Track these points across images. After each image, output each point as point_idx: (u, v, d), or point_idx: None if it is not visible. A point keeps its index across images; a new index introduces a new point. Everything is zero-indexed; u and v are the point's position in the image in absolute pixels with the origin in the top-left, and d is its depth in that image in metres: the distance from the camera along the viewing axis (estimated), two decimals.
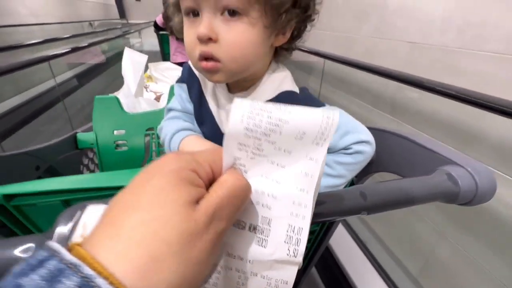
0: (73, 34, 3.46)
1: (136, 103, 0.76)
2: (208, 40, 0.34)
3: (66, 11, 6.42)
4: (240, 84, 0.43)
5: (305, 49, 1.96)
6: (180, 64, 2.10)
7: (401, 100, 1.45)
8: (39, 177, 0.50)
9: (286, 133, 0.18)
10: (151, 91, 0.99)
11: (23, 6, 4.83)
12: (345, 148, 0.40)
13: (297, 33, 0.43)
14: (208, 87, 0.46)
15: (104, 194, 0.36)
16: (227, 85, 0.45)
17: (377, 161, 0.43)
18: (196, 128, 0.49)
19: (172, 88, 0.68)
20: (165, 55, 2.50)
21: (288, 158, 0.19)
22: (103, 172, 0.61)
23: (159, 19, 2.27)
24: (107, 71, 4.35)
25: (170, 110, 0.52)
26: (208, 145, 0.44)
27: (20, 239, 0.21)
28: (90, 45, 2.46)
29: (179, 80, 0.51)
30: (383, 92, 1.56)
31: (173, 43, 2.21)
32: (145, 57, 0.95)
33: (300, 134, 0.18)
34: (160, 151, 0.68)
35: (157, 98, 0.94)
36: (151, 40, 6.72)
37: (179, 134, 0.46)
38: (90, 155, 0.68)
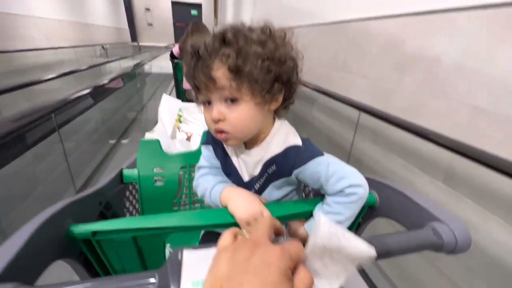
0: (90, 66, 3.34)
1: (171, 144, 0.84)
2: (219, 120, 0.49)
3: (80, 35, 6.47)
4: (252, 141, 0.55)
5: (339, 99, 1.78)
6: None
7: (461, 169, 1.23)
8: (101, 211, 0.58)
9: (343, 254, 0.27)
10: (182, 131, 1.08)
11: (37, 30, 4.83)
12: (341, 190, 0.48)
13: (288, 96, 0.53)
14: (229, 146, 0.58)
15: (168, 231, 0.47)
16: (245, 143, 0.56)
17: (378, 209, 0.53)
18: (225, 178, 0.60)
19: (204, 135, 0.77)
20: (177, 80, 2.72)
21: (338, 267, 0.28)
22: (164, 213, 0.65)
23: (176, 51, 2.42)
24: (121, 89, 4.48)
25: (200, 168, 0.63)
26: (243, 192, 0.54)
27: (140, 275, 0.31)
28: (110, 81, 2.36)
29: (205, 143, 0.62)
30: (433, 155, 1.35)
31: None
32: (179, 103, 1.11)
33: (351, 257, 0.27)
34: (191, 187, 0.76)
35: (188, 138, 1.02)
36: (158, 63, 6.66)
37: (217, 187, 0.56)
38: (130, 188, 0.75)
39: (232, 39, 0.46)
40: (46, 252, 0.38)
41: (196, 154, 0.75)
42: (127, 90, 4.16)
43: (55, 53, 5.27)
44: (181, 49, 2.33)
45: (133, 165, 0.75)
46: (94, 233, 0.43)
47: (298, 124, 2.92)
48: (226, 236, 0.30)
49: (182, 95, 2.78)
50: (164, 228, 0.45)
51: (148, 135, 0.95)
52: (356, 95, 1.93)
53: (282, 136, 0.54)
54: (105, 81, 2.02)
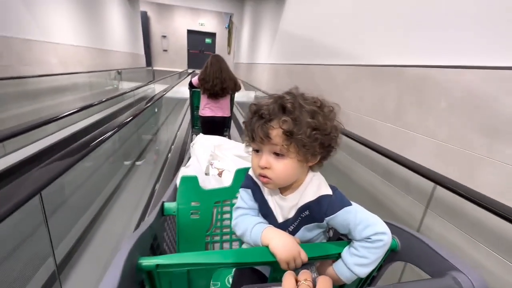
0: (107, 99, 3.12)
1: (206, 179, 0.87)
2: (265, 168, 0.57)
3: (96, 60, 6.42)
4: (288, 188, 0.61)
5: (411, 168, 1.40)
6: (211, 121, 2.52)
7: None
8: (152, 244, 0.61)
9: None
10: (215, 167, 1.08)
11: (54, 56, 4.74)
12: (368, 237, 0.54)
13: (325, 156, 0.60)
14: (266, 191, 0.64)
15: (222, 266, 0.52)
16: (279, 188, 0.63)
17: (400, 253, 0.58)
18: (263, 219, 0.65)
19: (237, 174, 0.81)
20: (194, 107, 2.90)
21: None
22: (218, 250, 0.78)
23: (195, 81, 2.51)
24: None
25: (238, 208, 0.68)
26: (282, 234, 0.58)
27: None
28: (134, 117, 2.12)
29: (245, 186, 0.68)
30: None
31: (203, 99, 2.48)
32: (212, 140, 1.17)
33: None
34: (223, 220, 0.83)
35: (219, 174, 1.02)
36: (161, 88, 6.35)
37: (258, 227, 0.61)
38: (168, 219, 0.78)
39: (291, 108, 0.53)
40: (126, 281, 0.42)
41: (229, 190, 0.81)
42: (143, 114, 4.02)
43: (69, 77, 5.14)
44: (200, 80, 2.39)
45: (170, 198, 0.80)
46: (158, 265, 0.49)
47: (329, 170, 2.54)
48: (290, 282, 0.41)
49: (196, 120, 2.91)
50: (219, 264, 0.51)
51: (184, 170, 0.96)
52: (417, 157, 1.56)
53: (315, 185, 0.59)
54: (127, 119, 1.81)
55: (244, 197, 0.66)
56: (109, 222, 1.83)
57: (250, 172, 0.66)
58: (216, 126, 2.55)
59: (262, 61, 5.95)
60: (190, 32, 12.99)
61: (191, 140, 3.63)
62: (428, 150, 1.56)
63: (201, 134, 1.23)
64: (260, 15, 6.31)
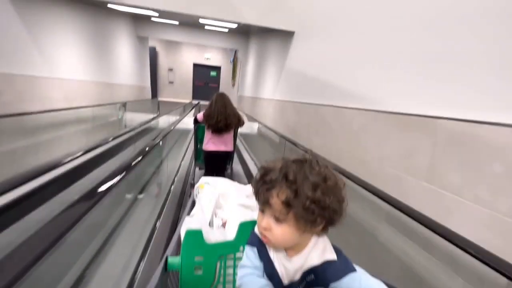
0: (112, 138, 2.92)
1: (210, 232, 0.83)
2: (265, 228, 0.58)
3: (102, 94, 6.42)
4: (293, 250, 0.61)
5: (454, 243, 1.11)
6: (214, 155, 2.57)
7: None
8: None
9: None
10: (219, 217, 1.03)
11: (58, 91, 4.69)
12: None
13: (328, 225, 0.58)
14: (272, 250, 0.63)
15: None
16: (285, 249, 0.62)
17: None
18: (268, 282, 0.62)
19: (241, 227, 0.79)
20: (197, 140, 2.94)
21: None
22: None
23: (200, 117, 2.56)
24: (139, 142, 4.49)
25: (243, 267, 0.65)
26: None
27: None
28: (144, 157, 2.02)
29: (251, 244, 0.66)
30: None
31: (208, 134, 2.53)
32: (218, 186, 1.12)
33: None
34: (226, 275, 0.79)
35: (223, 224, 0.97)
36: (165, 119, 6.20)
37: None
38: (170, 275, 0.77)
39: (292, 179, 0.53)
40: None
41: (233, 244, 0.79)
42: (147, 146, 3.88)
43: (74, 111, 5.04)
44: (205, 116, 2.45)
45: (174, 252, 0.80)
46: None
47: (350, 226, 2.22)
48: None
49: (199, 154, 2.92)
50: None
51: (188, 220, 0.92)
52: (462, 228, 1.27)
53: (320, 249, 0.59)
54: (133, 162, 1.73)
55: (250, 255, 0.65)
56: (107, 264, 1.71)
57: (256, 230, 0.65)
58: (219, 160, 2.62)
59: (267, 96, 5.90)
60: (196, 65, 13.37)
61: (194, 173, 3.35)
62: (478, 221, 1.28)
63: (207, 185, 1.16)
64: (266, 51, 6.40)
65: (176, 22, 7.82)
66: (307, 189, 0.52)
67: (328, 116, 2.99)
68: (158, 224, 2.19)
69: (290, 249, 0.60)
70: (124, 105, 7.14)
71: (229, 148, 2.60)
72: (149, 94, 10.20)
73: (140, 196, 2.78)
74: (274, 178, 0.55)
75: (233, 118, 2.45)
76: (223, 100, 2.44)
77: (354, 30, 2.63)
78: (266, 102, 5.93)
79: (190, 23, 7.83)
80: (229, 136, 2.57)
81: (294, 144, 2.72)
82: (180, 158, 4.23)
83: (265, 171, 0.57)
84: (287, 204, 0.53)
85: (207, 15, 4.06)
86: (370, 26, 2.39)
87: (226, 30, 8.07)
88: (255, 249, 0.64)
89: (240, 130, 2.81)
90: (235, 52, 11.96)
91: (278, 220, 0.56)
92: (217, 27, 7.73)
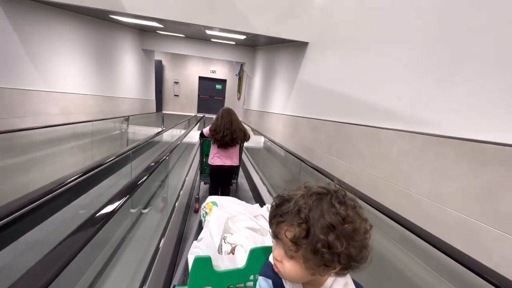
0: (114, 158, 2.55)
1: (219, 258, 0.80)
2: (277, 259, 0.53)
3: (102, 107, 6.11)
4: (310, 285, 0.56)
5: None
6: (220, 169, 2.53)
7: None
8: None
9: None
10: (228, 242, 0.96)
11: (54, 106, 4.37)
12: None
13: (346, 270, 0.50)
14: (287, 284, 0.57)
15: None
16: (302, 284, 0.56)
17: None
18: None
19: (252, 254, 0.75)
20: (203, 155, 2.94)
21: None
22: None
23: (206, 132, 2.56)
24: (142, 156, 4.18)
25: None
26: None
27: None
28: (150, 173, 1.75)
29: (265, 275, 0.61)
30: None
31: (213, 149, 2.53)
32: (226, 208, 1.07)
33: None
34: None
35: (233, 250, 0.91)
36: (170, 132, 5.83)
37: None
38: None
39: (304, 217, 0.47)
40: None
41: (242, 272, 0.75)
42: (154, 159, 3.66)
43: (69, 126, 4.68)
44: (212, 131, 2.44)
45: (181, 280, 0.76)
46: None
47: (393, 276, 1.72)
48: None
49: (205, 168, 2.94)
50: None
51: (196, 244, 0.90)
52: None
53: (341, 285, 0.54)
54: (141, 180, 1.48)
55: (264, 286, 0.60)
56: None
57: (271, 259, 0.58)
58: (224, 174, 2.59)
59: (276, 110, 5.49)
60: (201, 78, 13.17)
61: (199, 187, 3.14)
62: None
63: (216, 208, 1.08)
64: (274, 64, 6.06)
65: (182, 35, 7.60)
66: (318, 231, 0.45)
67: (355, 136, 2.54)
68: (162, 243, 1.98)
69: (307, 284, 0.55)
70: (126, 119, 6.81)
71: (235, 162, 2.58)
72: (153, 108, 9.92)
73: (145, 211, 2.66)
74: (286, 212, 0.49)
75: (239, 132, 2.45)
76: (230, 115, 2.44)
77: (390, 39, 2.23)
78: (275, 117, 5.52)
79: (196, 36, 7.60)
80: (235, 151, 2.56)
81: (316, 169, 2.28)
82: (185, 174, 3.96)
83: (281, 201, 0.52)
84: (295, 243, 0.48)
85: (213, 25, 3.73)
86: (418, 34, 1.97)
87: (233, 43, 7.82)
88: (270, 282, 0.60)
89: (246, 144, 2.73)
90: (241, 65, 11.76)
91: (287, 255, 0.50)
92: (223, 40, 7.48)
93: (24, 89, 3.68)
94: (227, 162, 2.51)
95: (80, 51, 5.22)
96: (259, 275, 0.61)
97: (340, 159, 2.77)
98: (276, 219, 0.51)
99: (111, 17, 5.14)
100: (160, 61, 12.56)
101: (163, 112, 12.81)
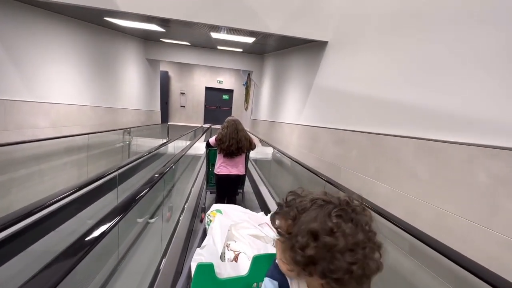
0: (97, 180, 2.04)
1: (221, 265, 0.79)
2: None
3: (101, 119, 5.66)
4: None
5: None
6: (226, 179, 2.53)
7: None
8: None
9: None
10: (231, 249, 0.92)
11: (44, 118, 3.91)
12: None
13: (330, 281, 0.47)
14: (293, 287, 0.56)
15: None
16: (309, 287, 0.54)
17: None
18: None
19: (255, 261, 0.73)
20: (209, 164, 2.98)
21: None
22: None
23: (212, 141, 2.56)
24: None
25: None
26: None
27: None
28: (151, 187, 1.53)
29: (272, 276, 0.58)
30: None
31: (220, 158, 2.55)
32: (231, 215, 1.05)
33: None
34: None
35: (236, 258, 0.88)
36: (174, 144, 5.27)
37: None
38: None
39: (295, 215, 0.49)
40: None
41: (245, 280, 0.73)
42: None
43: (61, 140, 4.18)
44: (217, 140, 2.45)
45: (184, 287, 0.75)
46: None
47: None
48: None
49: (211, 177, 2.94)
50: None
51: (199, 251, 0.86)
52: None
53: None
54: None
55: None
56: None
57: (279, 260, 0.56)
58: (230, 184, 2.56)
59: (289, 120, 4.90)
60: (208, 89, 12.79)
61: (206, 197, 3.11)
62: None
63: (219, 215, 1.03)
64: (286, 70, 5.52)
65: (187, 43, 7.19)
66: (300, 232, 0.46)
67: (404, 152, 1.90)
68: (163, 264, 1.80)
69: None
70: (128, 132, 6.33)
71: (241, 171, 2.57)
72: (158, 119, 9.47)
73: (151, 220, 2.57)
74: (287, 206, 0.51)
75: (245, 141, 2.45)
76: (235, 124, 2.44)
77: (461, 21, 1.62)
78: (288, 128, 4.92)
79: (202, 44, 7.19)
80: (240, 160, 2.55)
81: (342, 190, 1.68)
82: (191, 184, 3.73)
83: (291, 196, 0.53)
84: (279, 233, 0.51)
85: (221, 24, 3.21)
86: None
87: (240, 50, 7.36)
88: (276, 284, 0.57)
89: (254, 155, 2.74)
90: (249, 74, 11.32)
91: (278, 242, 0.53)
92: (230, 47, 7.03)
93: (3, 99, 3.20)
94: (233, 171, 2.50)
95: (77, 59, 4.80)
96: (266, 276, 0.59)
97: (380, 181, 2.12)
98: (278, 208, 0.53)
99: (109, 22, 4.72)
100: (167, 72, 12.26)
101: (169, 123, 12.41)
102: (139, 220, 2.54)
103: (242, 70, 12.47)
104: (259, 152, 5.47)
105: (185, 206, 2.89)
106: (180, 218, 2.49)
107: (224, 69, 12.64)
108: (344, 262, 0.43)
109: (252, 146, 2.57)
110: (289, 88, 5.08)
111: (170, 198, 2.93)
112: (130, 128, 6.33)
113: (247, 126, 11.43)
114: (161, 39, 6.92)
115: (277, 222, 0.51)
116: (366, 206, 0.49)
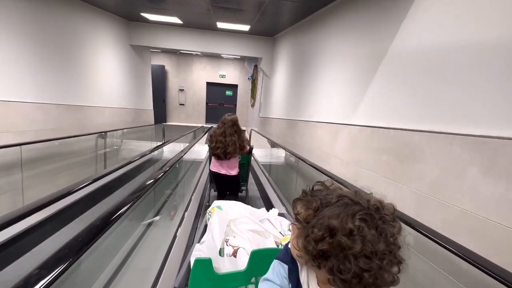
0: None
1: (220, 260, 0.78)
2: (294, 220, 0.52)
3: (57, 121, 3.94)
4: (323, 279, 0.50)
5: None
6: (217, 176, 2.37)
7: None
8: None
9: None
10: (230, 245, 0.90)
11: None
12: None
13: (336, 278, 0.44)
14: (303, 275, 0.53)
15: None
16: (317, 277, 0.52)
17: None
18: None
19: (253, 256, 0.72)
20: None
21: None
22: None
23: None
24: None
25: (267, 280, 0.57)
26: None
27: None
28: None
29: (282, 260, 0.57)
30: None
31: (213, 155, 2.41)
32: (230, 212, 0.99)
33: None
34: None
35: (234, 253, 0.85)
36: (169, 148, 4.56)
37: None
38: None
39: (317, 206, 0.47)
40: None
41: (243, 275, 0.72)
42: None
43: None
44: (209, 136, 2.32)
45: (183, 283, 0.71)
46: None
47: None
48: None
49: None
50: None
51: (198, 247, 0.83)
52: None
53: None
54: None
55: (278, 271, 0.56)
56: None
57: (290, 245, 0.54)
58: (223, 182, 2.41)
59: (327, 118, 3.12)
60: (209, 84, 10.99)
61: (209, 195, 3.10)
62: None
63: (218, 210, 0.97)
64: (315, 47, 3.70)
65: (179, 21, 5.38)
66: (317, 224, 0.45)
67: None
68: (172, 250, 1.73)
69: (321, 282, 0.51)
70: (103, 136, 4.59)
71: (230, 172, 2.31)
72: (151, 119, 7.72)
73: (156, 218, 2.29)
74: (312, 196, 0.49)
75: (232, 147, 2.17)
76: (224, 127, 2.21)
77: None
78: (325, 130, 3.13)
79: (198, 22, 5.39)
80: (231, 162, 2.29)
81: None
82: (195, 183, 3.30)
83: (318, 187, 0.51)
84: (297, 219, 0.49)
85: None
86: None
87: (246, 29, 5.54)
88: (286, 267, 0.56)
89: (260, 158, 2.59)
90: (255, 66, 9.50)
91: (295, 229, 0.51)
92: (233, 24, 5.22)
93: None
94: (222, 171, 2.30)
95: (17, 39, 3.05)
96: (276, 258, 0.58)
97: None
98: (302, 195, 0.51)
99: None
100: (163, 66, 10.49)
101: (167, 123, 10.65)
102: (144, 223, 2.17)
103: (247, 61, 10.64)
104: (269, 156, 4.75)
105: (190, 201, 2.63)
106: (185, 214, 2.28)
107: (227, 62, 10.83)
108: (356, 267, 0.40)
109: (244, 152, 2.31)
110: (324, 70, 3.27)
111: (174, 197, 2.67)
112: (105, 132, 4.59)
113: (254, 125, 9.62)
114: (144, 14, 5.10)
115: (298, 207, 0.49)
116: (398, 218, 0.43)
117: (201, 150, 4.95)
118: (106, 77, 5.26)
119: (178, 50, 6.70)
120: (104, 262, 1.53)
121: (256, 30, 5.55)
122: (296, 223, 0.49)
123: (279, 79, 5.84)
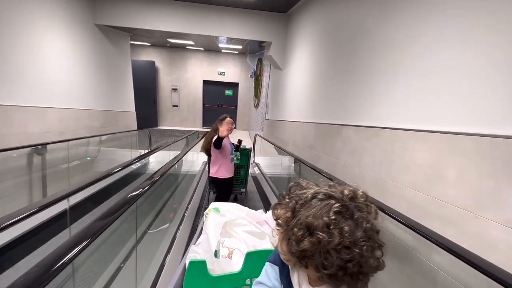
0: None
1: (215, 262, 0.74)
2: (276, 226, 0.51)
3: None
4: (314, 278, 0.48)
5: None
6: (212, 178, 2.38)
7: None
8: None
9: None
10: (225, 246, 0.88)
11: None
12: None
13: (322, 275, 0.44)
14: (295, 276, 0.51)
15: None
16: (308, 277, 0.50)
17: None
18: None
19: (248, 258, 0.70)
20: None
21: None
22: None
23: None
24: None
25: (260, 284, 0.55)
26: None
27: None
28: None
29: (272, 261, 0.56)
30: None
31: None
32: (225, 218, 0.95)
33: None
34: None
35: (230, 254, 0.83)
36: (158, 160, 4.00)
37: None
38: None
39: (293, 206, 0.46)
40: None
41: (238, 276, 0.70)
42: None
43: None
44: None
45: (178, 284, 0.69)
46: None
47: None
48: None
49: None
50: None
51: (193, 249, 0.80)
52: None
53: None
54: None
55: (270, 273, 0.56)
56: None
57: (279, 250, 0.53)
58: (217, 185, 2.41)
59: (415, 124, 1.45)
60: (206, 83, 9.32)
61: (208, 198, 2.88)
62: None
63: (213, 211, 0.95)
64: (379, 17, 2.03)
65: None
66: (296, 224, 0.43)
67: None
68: (170, 252, 1.68)
69: (312, 278, 0.50)
70: (38, 151, 2.89)
71: (218, 174, 2.30)
72: (132, 123, 6.02)
73: (165, 226, 2.14)
74: (289, 197, 0.48)
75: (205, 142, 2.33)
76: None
77: None
78: (429, 144, 1.46)
79: None
80: (224, 164, 2.30)
81: None
82: (194, 186, 3.01)
83: (294, 187, 0.49)
84: (279, 223, 0.48)
85: None
86: None
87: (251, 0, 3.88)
88: (276, 269, 0.55)
89: (266, 168, 2.42)
90: (259, 60, 7.84)
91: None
92: None
93: None
94: (211, 171, 2.34)
95: None
96: (268, 261, 0.57)
97: None
98: (279, 199, 0.50)
99: None
100: (153, 62, 8.81)
101: (158, 127, 8.97)
102: (152, 231, 2.06)
103: (249, 56, 8.97)
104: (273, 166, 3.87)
105: (189, 204, 2.48)
106: (184, 216, 2.21)
107: (226, 57, 9.16)
108: (338, 259, 0.40)
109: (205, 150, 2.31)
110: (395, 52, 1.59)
111: (173, 200, 2.57)
112: (42, 144, 2.88)
113: (258, 129, 7.89)
114: None
115: (277, 211, 0.48)
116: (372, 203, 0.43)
117: (192, 160, 4.23)
118: (55, 67, 3.57)
119: (163, 32, 4.99)
120: (101, 267, 1.50)
121: (264, 2, 3.89)
122: (279, 228, 0.47)
123: (298, 70, 4.16)
